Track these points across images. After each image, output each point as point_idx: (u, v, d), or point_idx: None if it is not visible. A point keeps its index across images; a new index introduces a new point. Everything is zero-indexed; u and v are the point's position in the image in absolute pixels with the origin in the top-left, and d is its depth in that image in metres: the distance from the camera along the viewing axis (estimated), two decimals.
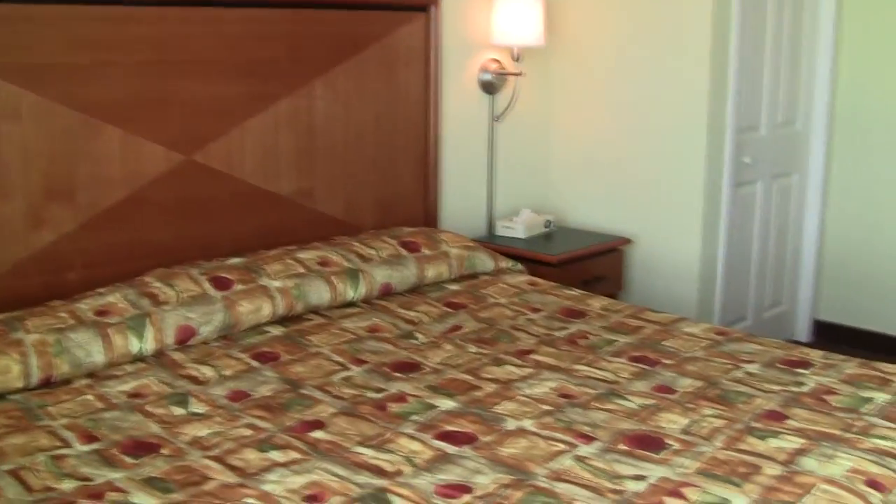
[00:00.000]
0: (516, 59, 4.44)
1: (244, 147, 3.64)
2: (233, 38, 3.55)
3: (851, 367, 2.91)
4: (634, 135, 4.60)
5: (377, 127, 4.07)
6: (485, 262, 3.89)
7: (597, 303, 3.57)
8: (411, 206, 4.24)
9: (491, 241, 4.38)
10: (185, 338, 2.97)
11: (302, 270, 3.38)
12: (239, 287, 3.19)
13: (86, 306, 2.94)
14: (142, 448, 2.30)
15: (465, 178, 4.50)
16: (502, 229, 4.51)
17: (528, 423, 2.45)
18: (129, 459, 2.24)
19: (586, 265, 4.33)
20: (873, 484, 2.15)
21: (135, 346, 2.86)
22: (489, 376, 2.79)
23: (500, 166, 4.64)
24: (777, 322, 5.22)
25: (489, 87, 4.49)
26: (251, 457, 2.25)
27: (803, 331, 5.37)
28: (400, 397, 2.62)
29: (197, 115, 3.48)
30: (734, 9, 4.36)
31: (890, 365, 2.95)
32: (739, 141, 4.60)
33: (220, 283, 3.18)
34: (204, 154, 3.52)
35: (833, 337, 5.29)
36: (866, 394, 2.68)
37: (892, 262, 5.09)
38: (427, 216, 4.29)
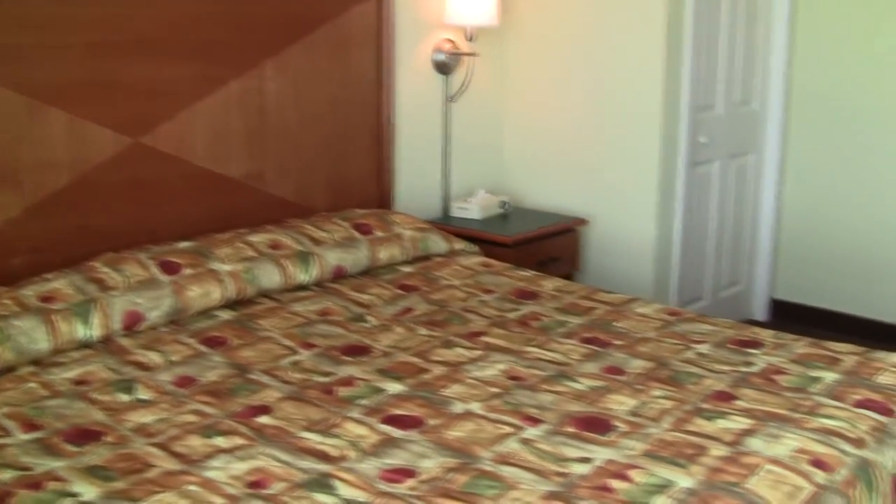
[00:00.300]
0: (470, 40, 4.40)
1: (194, 129, 3.59)
2: (180, 18, 3.49)
3: (801, 346, 2.92)
4: (589, 115, 4.59)
5: (330, 108, 4.03)
6: (438, 243, 3.87)
7: (550, 284, 3.57)
8: (365, 187, 4.21)
9: (446, 223, 4.36)
10: (132, 323, 2.93)
11: (253, 254, 3.35)
12: (188, 271, 3.15)
13: (30, 292, 2.89)
14: (85, 436, 2.27)
15: (420, 159, 4.47)
16: (457, 210, 4.49)
17: (475, 406, 2.44)
18: (71, 448, 2.21)
19: (542, 246, 4.32)
20: (818, 463, 2.15)
21: (80, 332, 2.82)
22: (439, 359, 2.78)
23: (455, 147, 4.62)
24: (734, 301, 5.24)
25: (443, 68, 4.46)
26: (195, 443, 2.23)
27: (760, 310, 5.40)
28: (348, 381, 2.60)
29: (145, 97, 3.43)
30: None
31: (839, 344, 2.96)
32: (695, 120, 4.60)
33: (169, 268, 3.14)
34: (153, 137, 3.47)
35: (790, 316, 5.32)
36: (815, 373, 2.69)
37: (849, 241, 5.12)
38: (381, 198, 4.26)
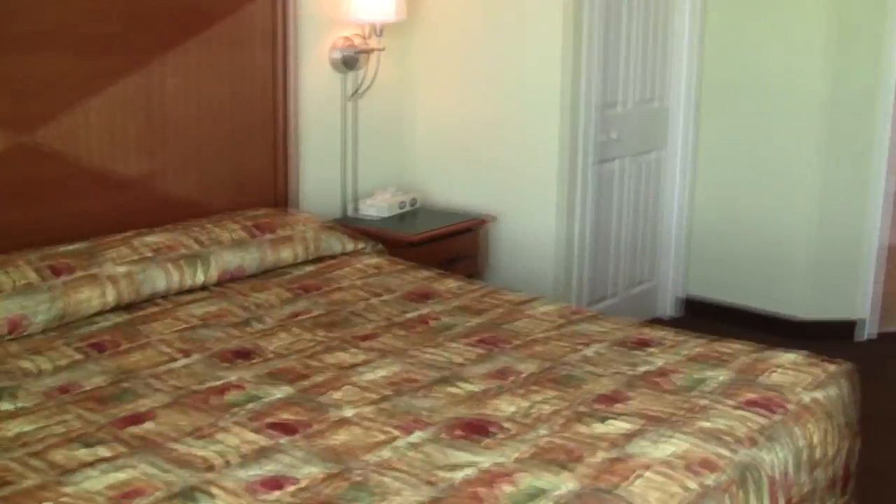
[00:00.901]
0: (374, 35, 4.35)
1: (88, 126, 3.50)
2: (72, 10, 3.39)
3: (696, 346, 2.93)
4: (494, 111, 4.57)
5: (229, 106, 3.95)
6: (340, 243, 3.82)
7: (451, 283, 3.54)
8: (266, 186, 4.14)
9: (350, 222, 4.31)
10: (16, 327, 2.85)
11: (146, 255, 3.28)
12: (78, 273, 3.07)
13: None
14: None
15: (324, 157, 4.41)
16: (363, 208, 4.44)
17: (359, 411, 2.40)
18: None
19: (447, 244, 4.29)
20: (704, 464, 2.15)
21: None
22: (326, 363, 2.73)
23: (361, 145, 4.57)
24: (645, 298, 5.27)
25: (347, 64, 4.40)
26: (72, 453, 2.16)
27: (671, 307, 5.43)
28: (233, 386, 2.55)
29: (33, 91, 3.32)
30: None
31: (734, 343, 2.97)
32: (601, 117, 4.60)
33: (58, 270, 3.06)
34: (43, 134, 3.37)
35: (702, 312, 5.37)
36: (706, 373, 2.69)
37: (759, 238, 5.18)
38: (282, 197, 4.18)
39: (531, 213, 4.51)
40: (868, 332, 5.22)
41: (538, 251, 4.51)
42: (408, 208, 4.53)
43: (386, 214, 4.40)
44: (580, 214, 4.55)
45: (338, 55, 4.36)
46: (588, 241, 4.62)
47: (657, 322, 5.19)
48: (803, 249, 5.11)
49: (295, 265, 3.65)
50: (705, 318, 5.28)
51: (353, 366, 2.71)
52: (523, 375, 2.66)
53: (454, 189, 4.71)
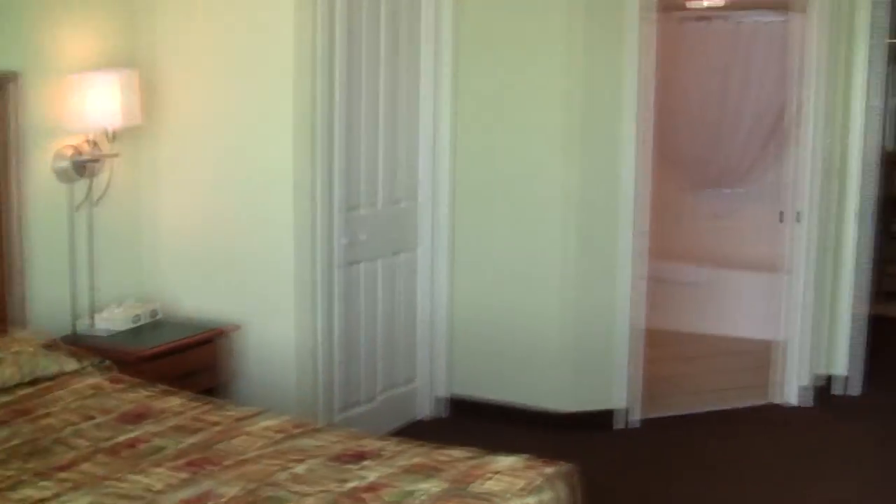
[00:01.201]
0: (107, 141, 4.18)
1: None
2: None
3: (414, 455, 2.85)
4: (234, 215, 4.45)
5: None
6: (58, 363, 3.58)
7: (175, 401, 3.35)
8: None
9: (81, 339, 4.07)
10: None
11: None
12: None
13: None
14: None
15: (54, 270, 4.17)
16: (99, 322, 4.22)
17: None
18: None
19: (184, 358, 4.11)
20: None
21: None
22: (11, 500, 2.51)
23: (100, 255, 4.34)
24: (405, 401, 5.20)
25: (78, 171, 4.19)
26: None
27: (433, 408, 5.37)
28: None
29: None
30: (332, 86, 4.39)
31: (454, 450, 2.91)
32: (346, 219, 4.55)
33: None
34: None
35: (466, 411, 5.33)
36: (417, 486, 2.62)
37: (517, 333, 5.22)
38: (2, 316, 3.92)
39: (275, 320, 4.39)
40: (630, 419, 5.29)
41: (283, 359, 4.38)
42: (146, 320, 4.33)
43: (120, 328, 4.20)
44: (326, 319, 4.46)
45: (66, 164, 4.15)
46: (336, 346, 4.52)
47: (419, 424, 5.18)
48: (559, 342, 5.18)
49: (6, 389, 3.39)
50: (469, 417, 5.25)
51: (41, 502, 2.50)
52: (223, 501, 2.51)
53: (199, 297, 4.54)
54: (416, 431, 5.12)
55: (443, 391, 5.39)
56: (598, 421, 5.22)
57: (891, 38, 5.91)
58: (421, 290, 5.24)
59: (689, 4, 7.53)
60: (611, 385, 5.27)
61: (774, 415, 5.65)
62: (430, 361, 5.32)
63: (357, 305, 4.75)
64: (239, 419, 3.18)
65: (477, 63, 5.17)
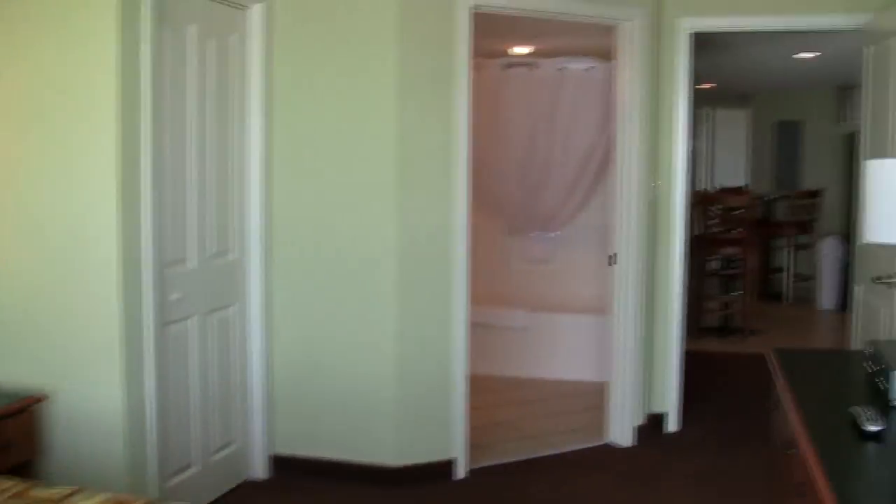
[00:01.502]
0: None
1: None
2: None
3: None
4: (42, 277, 4.08)
5: None
6: None
7: None
8: None
9: None
10: None
11: None
12: None
13: None
14: None
15: None
16: None
17: None
18: None
19: None
20: None
21: None
22: None
23: None
24: (233, 462, 4.95)
25: None
26: None
27: (262, 468, 5.13)
28: None
29: None
30: (158, 138, 4.14)
31: None
32: (165, 276, 4.29)
33: None
34: None
35: (294, 470, 5.12)
36: None
37: (345, 387, 5.09)
38: None
39: (93, 387, 4.03)
40: (467, 468, 5.20)
41: (100, 428, 4.05)
42: None
43: None
44: (145, 382, 4.16)
45: None
46: (156, 411, 4.22)
47: (249, 485, 4.96)
48: (391, 393, 5.05)
49: None
50: (299, 476, 5.06)
51: None
52: None
53: (3, 366, 4.17)
54: (246, 493, 4.94)
55: (273, 450, 5.16)
56: (436, 472, 5.11)
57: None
58: (248, 346, 5.01)
59: (509, 51, 7.64)
60: (447, 435, 5.17)
61: (607, 456, 5.65)
62: (261, 420, 5.08)
63: (184, 364, 4.48)
64: (54, 500, 2.91)
65: (299, 112, 5.03)
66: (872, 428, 2.40)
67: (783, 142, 12.59)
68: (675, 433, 6.05)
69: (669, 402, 6.06)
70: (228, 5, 4.73)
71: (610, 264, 5.78)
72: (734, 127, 12.70)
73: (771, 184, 12.52)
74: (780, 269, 11.72)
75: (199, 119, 4.54)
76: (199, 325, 4.61)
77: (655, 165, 5.89)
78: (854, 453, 2.35)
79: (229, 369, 4.87)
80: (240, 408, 4.99)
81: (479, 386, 5.34)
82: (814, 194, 11.67)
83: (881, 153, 4.86)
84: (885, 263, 4.69)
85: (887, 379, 2.72)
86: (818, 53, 8.75)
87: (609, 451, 5.75)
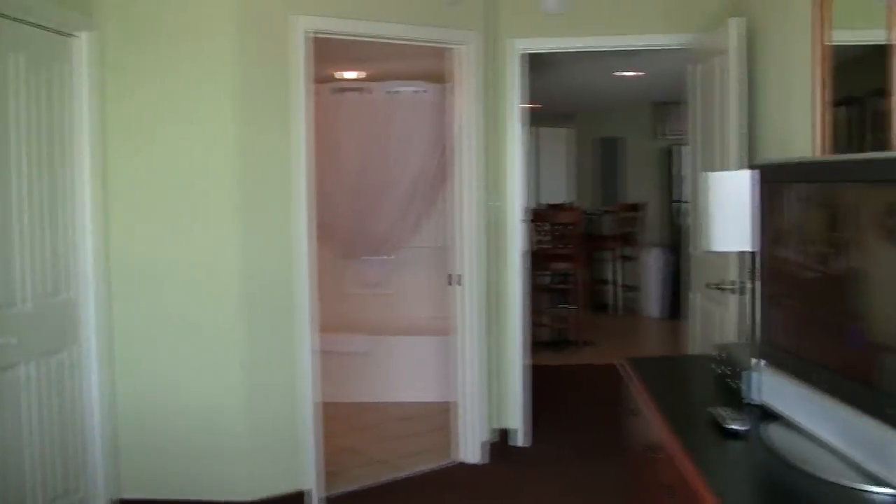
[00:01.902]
0: None
1: None
2: None
3: None
4: None
5: None
6: None
7: None
8: None
9: None
10: None
11: None
12: None
13: None
14: None
15: None
16: None
17: None
18: None
19: None
20: None
21: None
22: None
23: None
24: None
25: None
26: None
27: None
28: None
29: None
30: None
31: None
32: (4, 317, 4.06)
33: None
34: None
35: None
36: None
37: (191, 424, 4.97)
38: None
39: None
40: (318, 497, 5.12)
41: None
42: None
43: None
44: None
45: None
46: None
47: None
48: (239, 428, 4.96)
49: None
50: None
51: None
52: None
53: None
54: None
55: (118, 495, 4.95)
56: None
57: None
58: (86, 388, 4.78)
59: (336, 75, 7.61)
60: (298, 466, 5.08)
61: (458, 475, 5.67)
62: (102, 464, 4.86)
63: (18, 411, 4.24)
64: None
65: (134, 146, 4.88)
66: (735, 426, 2.48)
67: (605, 158, 12.98)
68: (526, 448, 6.11)
69: (517, 418, 6.12)
70: (56, 32, 4.52)
71: (450, 284, 5.81)
72: (557, 144, 13.03)
73: (595, 199, 12.88)
74: (606, 282, 12.04)
75: (28, 154, 4.31)
76: (34, 370, 4.36)
77: (494, 184, 5.96)
78: (721, 450, 2.44)
79: (67, 414, 4.64)
80: (80, 453, 4.76)
81: (325, 413, 5.26)
82: (636, 207, 12.06)
83: (711, 166, 5.03)
84: (719, 270, 4.86)
85: (741, 379, 2.81)
86: (642, 73, 9.05)
87: (461, 468, 5.77)
